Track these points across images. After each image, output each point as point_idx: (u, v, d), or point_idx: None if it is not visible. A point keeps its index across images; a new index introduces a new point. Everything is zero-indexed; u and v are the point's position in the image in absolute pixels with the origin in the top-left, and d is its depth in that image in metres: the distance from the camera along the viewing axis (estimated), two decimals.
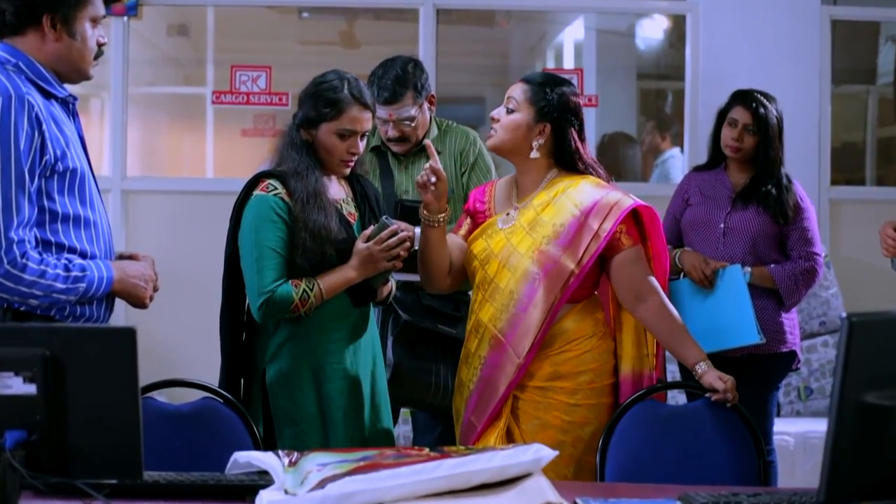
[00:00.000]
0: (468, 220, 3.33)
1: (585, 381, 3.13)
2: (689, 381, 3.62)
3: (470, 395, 3.16)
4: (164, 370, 5.38)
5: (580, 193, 3.14)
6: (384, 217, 3.20)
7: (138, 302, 2.90)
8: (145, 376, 5.57)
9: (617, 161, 6.79)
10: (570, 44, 7.74)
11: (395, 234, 3.14)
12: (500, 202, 3.28)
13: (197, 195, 5.66)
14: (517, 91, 3.21)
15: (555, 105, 3.18)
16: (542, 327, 3.08)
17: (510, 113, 3.19)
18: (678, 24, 7.40)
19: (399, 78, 3.75)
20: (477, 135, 3.98)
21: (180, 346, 5.48)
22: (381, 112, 3.75)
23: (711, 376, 3.05)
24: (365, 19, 7.62)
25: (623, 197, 3.14)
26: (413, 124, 3.80)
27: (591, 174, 3.21)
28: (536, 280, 3.09)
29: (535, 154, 3.17)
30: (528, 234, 3.14)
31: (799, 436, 4.96)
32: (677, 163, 6.46)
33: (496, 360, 3.11)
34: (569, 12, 7.27)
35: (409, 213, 3.64)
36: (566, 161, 3.20)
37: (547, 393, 3.12)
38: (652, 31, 7.68)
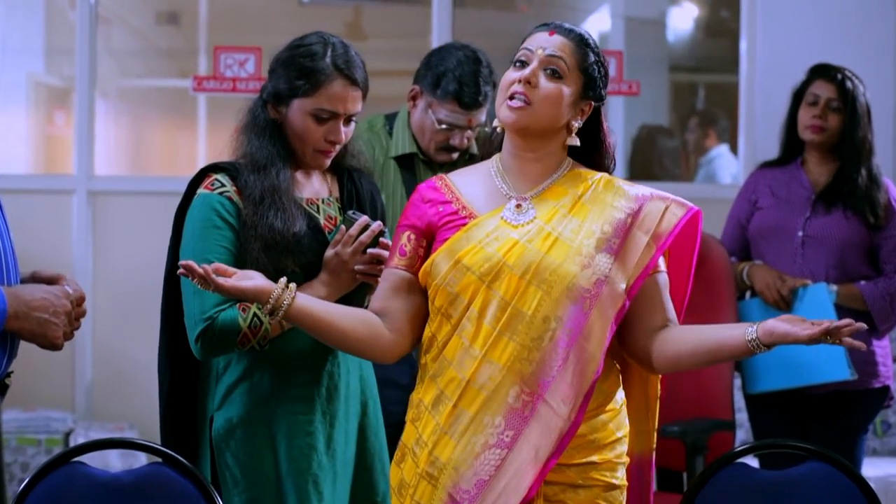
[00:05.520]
0: (414, 242, 2.30)
1: (623, 452, 2.26)
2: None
3: (467, 482, 2.17)
4: (142, 396, 4.89)
5: (616, 189, 2.29)
6: (349, 212, 2.49)
7: (47, 343, 2.11)
8: (120, 405, 4.99)
9: (653, 158, 6.36)
10: (595, 32, 7.33)
11: (366, 227, 2.43)
12: (478, 197, 2.30)
13: (179, 197, 5.04)
14: (560, 45, 2.25)
15: (602, 76, 2.30)
16: (596, 371, 2.19)
17: (555, 78, 2.25)
18: (715, 10, 7.03)
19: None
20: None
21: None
22: (459, 118, 3.13)
23: (776, 325, 2.12)
24: (372, 6, 7.40)
25: (672, 201, 2.27)
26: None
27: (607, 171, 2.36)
28: (587, 300, 2.18)
29: (573, 140, 2.28)
30: (559, 237, 2.22)
31: (879, 480, 4.34)
32: (725, 162, 6.03)
33: (522, 424, 2.17)
34: None
35: None
36: (589, 153, 2.34)
37: (587, 473, 2.23)
38: (686, 20, 7.40)
